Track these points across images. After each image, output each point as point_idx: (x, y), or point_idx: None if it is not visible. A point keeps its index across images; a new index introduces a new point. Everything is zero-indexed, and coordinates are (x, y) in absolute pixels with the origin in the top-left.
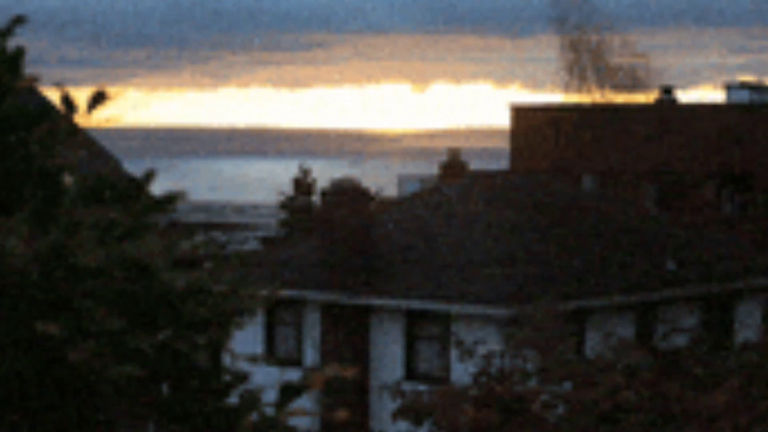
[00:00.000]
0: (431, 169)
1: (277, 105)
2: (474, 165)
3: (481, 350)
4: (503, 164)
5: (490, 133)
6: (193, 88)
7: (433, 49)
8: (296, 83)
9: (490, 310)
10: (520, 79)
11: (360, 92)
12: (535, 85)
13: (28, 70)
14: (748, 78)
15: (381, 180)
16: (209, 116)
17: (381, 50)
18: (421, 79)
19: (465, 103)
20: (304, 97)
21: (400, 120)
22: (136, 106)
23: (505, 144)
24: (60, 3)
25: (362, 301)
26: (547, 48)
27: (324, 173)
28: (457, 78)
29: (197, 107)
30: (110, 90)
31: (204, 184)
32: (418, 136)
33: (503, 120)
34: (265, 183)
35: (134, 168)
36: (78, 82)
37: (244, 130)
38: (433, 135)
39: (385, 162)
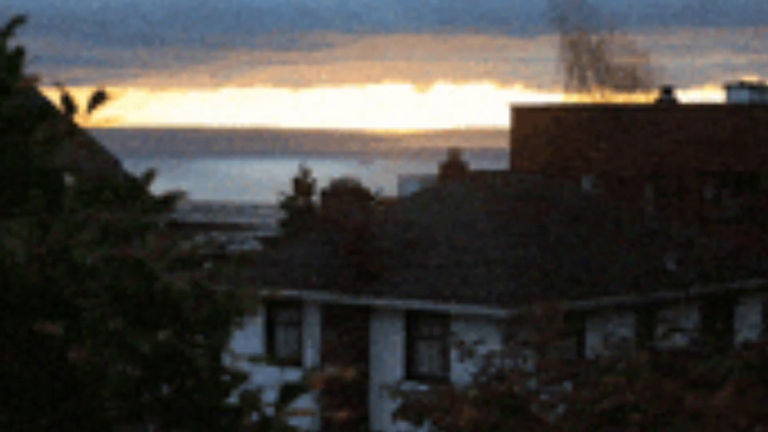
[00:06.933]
0: (431, 169)
1: (278, 105)
2: (474, 165)
3: (481, 350)
4: (503, 164)
5: (492, 134)
6: (193, 88)
7: (436, 49)
8: (297, 83)
9: (490, 310)
10: (523, 80)
11: (361, 92)
12: (538, 85)
13: (29, 70)
14: (750, 78)
15: (381, 180)
16: (209, 116)
17: (383, 50)
18: (423, 79)
19: (467, 103)
20: (305, 97)
21: (401, 120)
22: (136, 106)
23: (505, 144)
24: (60, 3)
25: (362, 301)
26: (550, 48)
27: (324, 173)
28: (459, 78)
29: (197, 107)
30: (110, 90)
31: (204, 184)
32: (419, 136)
33: (505, 120)
34: (265, 183)
35: (134, 168)
36: (78, 82)
37: (244, 130)
38: (434, 135)
39: (386, 162)
